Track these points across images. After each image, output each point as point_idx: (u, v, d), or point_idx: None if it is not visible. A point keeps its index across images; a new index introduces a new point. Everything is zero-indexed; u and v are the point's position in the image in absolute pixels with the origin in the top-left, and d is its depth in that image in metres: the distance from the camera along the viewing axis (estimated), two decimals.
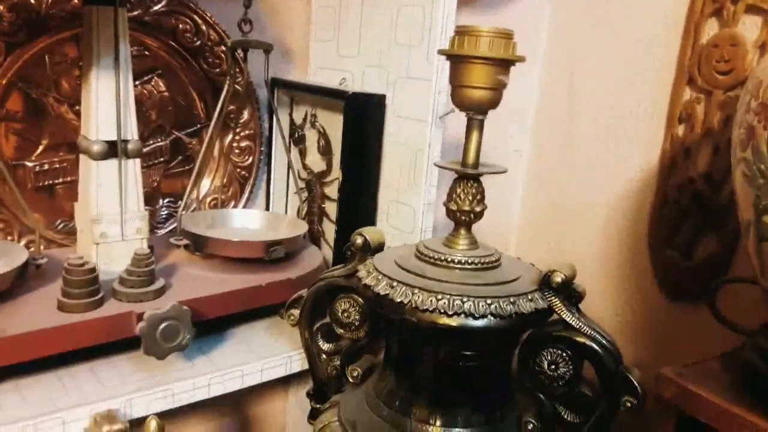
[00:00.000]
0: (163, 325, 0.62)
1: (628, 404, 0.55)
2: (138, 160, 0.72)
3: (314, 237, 0.95)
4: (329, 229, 0.92)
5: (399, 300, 0.55)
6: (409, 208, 0.82)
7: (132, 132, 0.71)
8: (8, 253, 0.67)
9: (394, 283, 0.57)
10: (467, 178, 0.60)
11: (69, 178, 0.82)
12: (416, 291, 0.55)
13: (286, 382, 1.12)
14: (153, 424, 0.62)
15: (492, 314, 0.54)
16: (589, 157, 0.93)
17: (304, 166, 0.96)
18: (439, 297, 0.54)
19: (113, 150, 0.69)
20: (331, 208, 0.91)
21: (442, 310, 0.54)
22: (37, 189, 0.81)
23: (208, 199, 0.95)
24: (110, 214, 0.70)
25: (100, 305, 0.63)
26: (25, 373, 0.63)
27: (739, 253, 0.75)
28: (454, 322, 0.54)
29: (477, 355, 0.58)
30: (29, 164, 0.80)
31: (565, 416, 0.59)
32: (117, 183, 0.70)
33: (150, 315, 0.62)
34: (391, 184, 0.84)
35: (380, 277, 0.58)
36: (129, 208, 0.71)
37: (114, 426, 0.58)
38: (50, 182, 0.81)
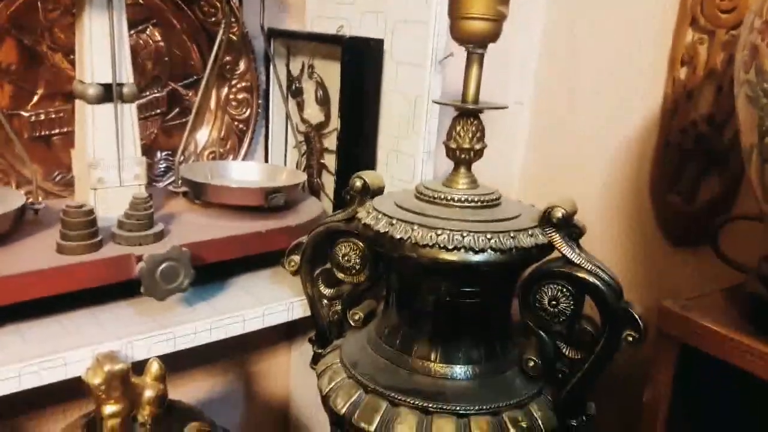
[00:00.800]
0: (162, 266, 0.62)
1: (630, 339, 0.54)
2: (134, 105, 0.71)
3: (314, 190, 0.95)
4: (329, 183, 0.91)
5: (399, 236, 0.55)
6: (408, 156, 0.81)
7: (127, 75, 0.70)
8: (5, 198, 0.67)
9: (394, 221, 0.56)
10: (467, 115, 0.60)
11: (66, 129, 0.81)
12: (416, 227, 0.55)
13: (289, 337, 1.12)
14: (155, 365, 0.62)
15: (492, 248, 0.54)
16: (591, 104, 0.92)
17: (303, 119, 0.95)
18: (439, 232, 0.54)
19: (109, 94, 0.68)
20: (331, 161, 0.90)
21: (442, 245, 0.53)
22: (34, 139, 0.80)
23: (206, 152, 0.94)
24: (107, 159, 0.70)
25: (99, 248, 0.63)
26: (25, 317, 0.63)
27: (740, 196, 0.75)
28: (454, 256, 0.53)
29: (477, 291, 0.58)
30: (25, 114, 0.79)
31: (567, 353, 0.58)
32: (113, 127, 0.69)
33: (149, 256, 0.61)
34: (390, 132, 0.83)
35: (380, 216, 0.58)
36: (126, 153, 0.71)
37: (116, 366, 0.57)
38: (47, 132, 0.80)
